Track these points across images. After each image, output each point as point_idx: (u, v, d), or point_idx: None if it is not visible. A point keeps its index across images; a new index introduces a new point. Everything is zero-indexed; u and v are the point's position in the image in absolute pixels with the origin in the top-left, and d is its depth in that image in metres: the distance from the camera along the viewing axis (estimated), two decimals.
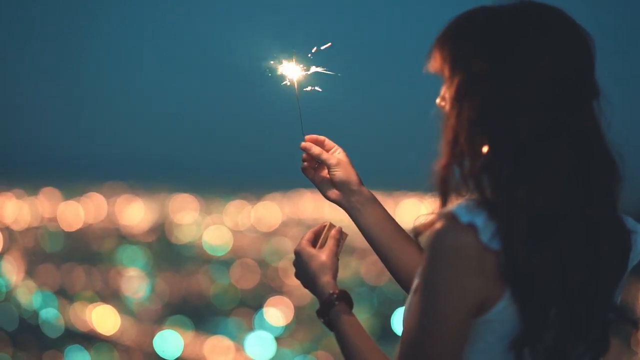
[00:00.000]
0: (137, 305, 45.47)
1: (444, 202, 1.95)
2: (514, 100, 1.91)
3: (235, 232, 51.83)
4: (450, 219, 1.88)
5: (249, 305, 43.46)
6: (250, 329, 41.34)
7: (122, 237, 53.25)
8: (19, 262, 48.52)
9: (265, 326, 41.20)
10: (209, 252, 50.93)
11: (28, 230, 52.98)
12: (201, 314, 43.27)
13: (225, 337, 41.03)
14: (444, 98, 2.02)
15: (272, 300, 43.06)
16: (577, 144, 1.93)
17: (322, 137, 2.66)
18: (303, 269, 2.42)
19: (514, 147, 1.90)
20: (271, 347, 39.69)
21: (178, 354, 40.17)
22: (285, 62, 2.65)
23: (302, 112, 2.65)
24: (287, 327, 41.15)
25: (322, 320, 2.32)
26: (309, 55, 2.64)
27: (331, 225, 2.52)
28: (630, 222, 2.09)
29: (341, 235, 2.49)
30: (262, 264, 47.38)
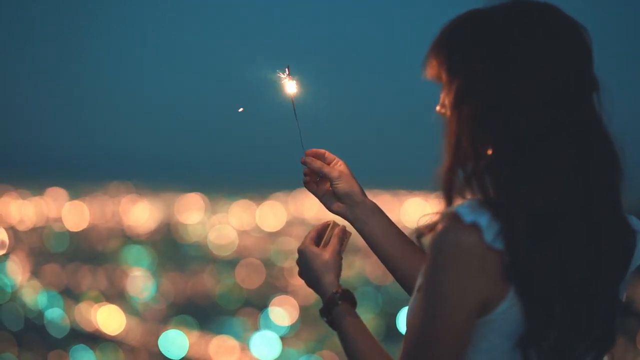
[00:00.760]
0: (142, 305, 45.52)
1: (448, 205, 1.95)
2: (514, 100, 1.91)
3: (241, 232, 51.87)
4: (453, 218, 1.87)
5: (254, 304, 43.48)
6: (256, 328, 41.36)
7: (128, 237, 53.31)
8: (24, 262, 48.59)
9: (270, 326, 41.22)
10: (214, 251, 50.97)
11: (33, 230, 53.04)
12: (206, 314, 43.30)
13: (230, 336, 41.05)
14: (443, 105, 2.02)
15: (277, 299, 43.08)
16: (577, 140, 1.93)
17: (322, 150, 2.66)
18: (306, 268, 2.42)
19: (514, 146, 1.90)
20: (276, 346, 39.71)
21: (183, 354, 40.20)
22: (281, 78, 2.65)
23: (301, 125, 2.65)
24: (292, 327, 41.16)
25: (325, 319, 2.32)
26: (285, 73, 2.64)
27: (335, 224, 2.51)
28: (635, 221, 2.09)
29: (345, 234, 2.49)
30: (268, 263, 47.42)
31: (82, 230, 53.60)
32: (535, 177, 1.89)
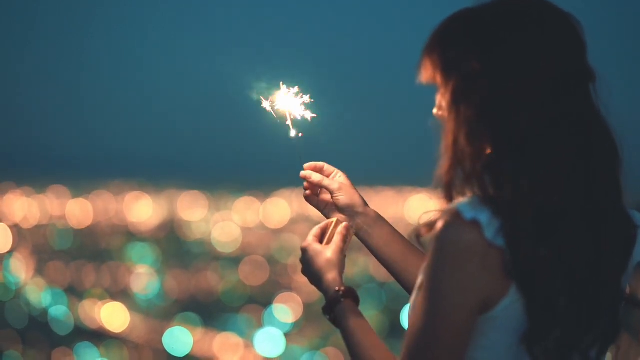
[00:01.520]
0: (146, 302, 45.59)
1: (449, 204, 1.94)
2: (510, 98, 1.90)
3: (244, 229, 51.93)
4: (454, 215, 1.86)
5: (258, 302, 43.57)
6: (260, 325, 41.43)
7: (131, 235, 53.38)
8: (28, 259, 48.67)
9: (274, 323, 41.28)
10: (218, 249, 51.04)
11: (37, 228, 53.13)
12: (210, 311, 43.39)
13: (234, 333, 41.13)
14: (440, 107, 2.01)
15: (281, 296, 43.15)
16: (577, 134, 1.92)
17: (320, 164, 2.65)
18: (309, 266, 2.41)
19: (513, 144, 1.89)
20: (280, 343, 39.76)
21: (187, 351, 40.27)
22: (276, 96, 2.65)
23: (299, 139, 2.65)
24: (296, 324, 41.23)
25: (327, 317, 2.31)
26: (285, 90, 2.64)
27: (338, 222, 2.50)
28: (637, 216, 2.09)
29: (348, 232, 2.48)
30: (271, 260, 47.49)
31: (86, 228, 53.69)
32: (536, 174, 1.88)
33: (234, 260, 48.71)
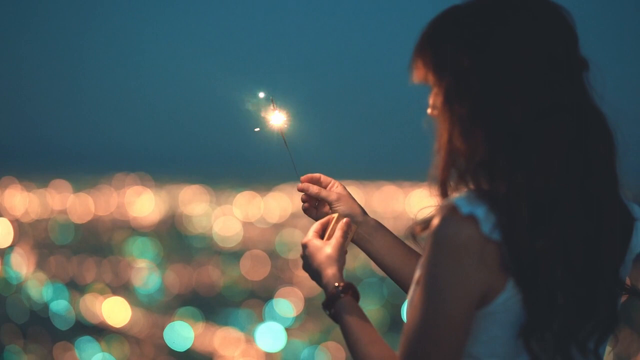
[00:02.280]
0: (147, 296, 45.62)
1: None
2: (503, 93, 1.90)
3: (246, 224, 51.95)
4: (451, 210, 1.86)
5: (259, 296, 43.58)
6: (261, 320, 41.44)
7: (132, 229, 53.42)
8: (29, 254, 48.71)
9: (275, 317, 41.30)
10: (219, 243, 51.07)
11: (38, 222, 53.18)
12: (211, 306, 43.40)
13: (235, 328, 41.14)
14: (434, 106, 2.02)
15: (282, 291, 43.17)
16: (571, 124, 1.92)
17: (317, 175, 2.66)
18: (309, 261, 2.41)
19: (508, 139, 1.89)
20: (281, 338, 39.78)
21: (188, 346, 40.30)
22: (267, 110, 2.65)
23: (294, 152, 2.66)
24: (297, 318, 41.24)
25: (327, 312, 2.31)
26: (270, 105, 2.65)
27: (340, 217, 2.51)
28: (635, 208, 2.09)
29: (349, 227, 2.48)
30: (272, 255, 47.50)
31: (87, 222, 53.75)
32: (532, 168, 1.88)
33: (235, 255, 48.74)
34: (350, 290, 2.29)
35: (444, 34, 1.97)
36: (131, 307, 44.02)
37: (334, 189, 2.62)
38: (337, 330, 2.25)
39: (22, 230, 51.67)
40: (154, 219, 54.39)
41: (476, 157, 1.91)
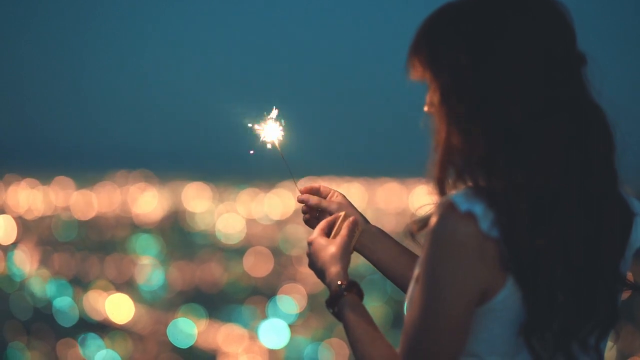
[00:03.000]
0: (150, 293, 45.62)
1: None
2: (501, 90, 1.89)
3: (249, 221, 51.93)
4: (449, 208, 1.86)
5: (263, 293, 43.56)
6: (264, 316, 41.42)
7: (136, 226, 53.42)
8: (32, 251, 48.72)
9: (278, 314, 41.28)
10: (222, 240, 51.06)
11: (42, 219, 53.19)
12: (214, 302, 43.39)
13: (238, 325, 41.13)
14: (431, 104, 2.01)
15: (285, 287, 43.14)
16: (570, 121, 1.92)
17: (316, 185, 2.65)
18: (314, 259, 2.41)
19: (506, 136, 1.89)
20: (285, 334, 39.77)
21: (191, 342, 40.30)
22: (262, 125, 2.66)
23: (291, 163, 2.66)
24: (300, 315, 41.21)
25: (331, 311, 2.31)
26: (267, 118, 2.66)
27: (346, 216, 2.51)
28: (635, 203, 2.08)
29: (355, 226, 2.48)
30: (276, 251, 47.47)
31: (91, 219, 53.74)
32: (531, 166, 1.88)
33: (238, 252, 48.71)
34: (354, 288, 2.28)
35: (439, 32, 1.96)
36: (134, 303, 44.02)
37: (334, 198, 2.61)
38: (341, 327, 2.25)
39: (26, 227, 51.69)
40: (157, 216, 54.39)
41: (474, 155, 1.90)
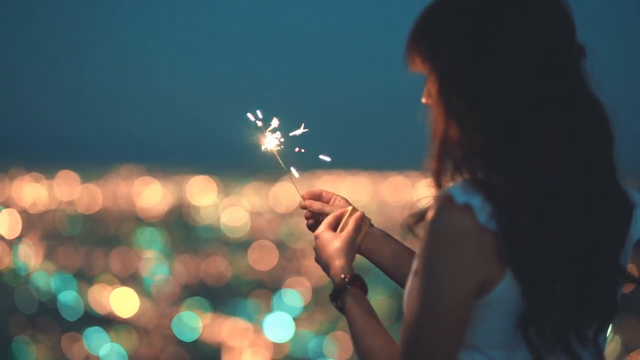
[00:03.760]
0: (155, 287, 45.65)
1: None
2: (499, 83, 1.89)
3: (253, 214, 51.94)
4: (446, 200, 1.86)
5: (267, 286, 43.56)
6: (269, 310, 41.44)
7: (140, 220, 53.46)
8: (37, 245, 48.77)
9: (283, 307, 41.30)
10: (227, 233, 51.07)
11: (46, 213, 53.24)
12: (219, 296, 43.41)
13: (243, 318, 41.15)
14: (429, 95, 2.00)
15: (290, 281, 43.16)
16: (568, 114, 1.91)
17: (318, 191, 2.65)
18: (320, 253, 2.42)
19: (506, 131, 1.88)
20: (289, 328, 39.78)
21: (196, 336, 40.33)
22: (264, 134, 2.67)
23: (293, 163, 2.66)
24: (305, 308, 41.23)
25: (334, 304, 2.32)
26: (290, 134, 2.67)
27: (353, 210, 2.51)
28: (635, 194, 2.07)
29: (363, 221, 2.48)
30: (280, 245, 47.47)
31: (95, 213, 53.80)
32: (529, 159, 1.88)
33: (242, 245, 48.73)
34: (357, 282, 2.29)
35: (438, 25, 1.96)
36: (139, 297, 44.06)
37: (337, 203, 2.60)
38: (345, 320, 2.25)
39: (30, 221, 51.74)
40: (162, 210, 54.43)
41: (472, 148, 1.90)
